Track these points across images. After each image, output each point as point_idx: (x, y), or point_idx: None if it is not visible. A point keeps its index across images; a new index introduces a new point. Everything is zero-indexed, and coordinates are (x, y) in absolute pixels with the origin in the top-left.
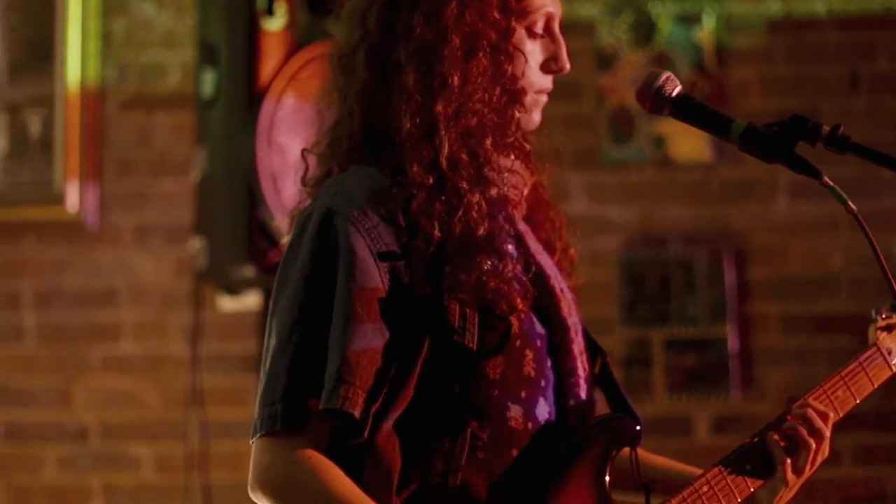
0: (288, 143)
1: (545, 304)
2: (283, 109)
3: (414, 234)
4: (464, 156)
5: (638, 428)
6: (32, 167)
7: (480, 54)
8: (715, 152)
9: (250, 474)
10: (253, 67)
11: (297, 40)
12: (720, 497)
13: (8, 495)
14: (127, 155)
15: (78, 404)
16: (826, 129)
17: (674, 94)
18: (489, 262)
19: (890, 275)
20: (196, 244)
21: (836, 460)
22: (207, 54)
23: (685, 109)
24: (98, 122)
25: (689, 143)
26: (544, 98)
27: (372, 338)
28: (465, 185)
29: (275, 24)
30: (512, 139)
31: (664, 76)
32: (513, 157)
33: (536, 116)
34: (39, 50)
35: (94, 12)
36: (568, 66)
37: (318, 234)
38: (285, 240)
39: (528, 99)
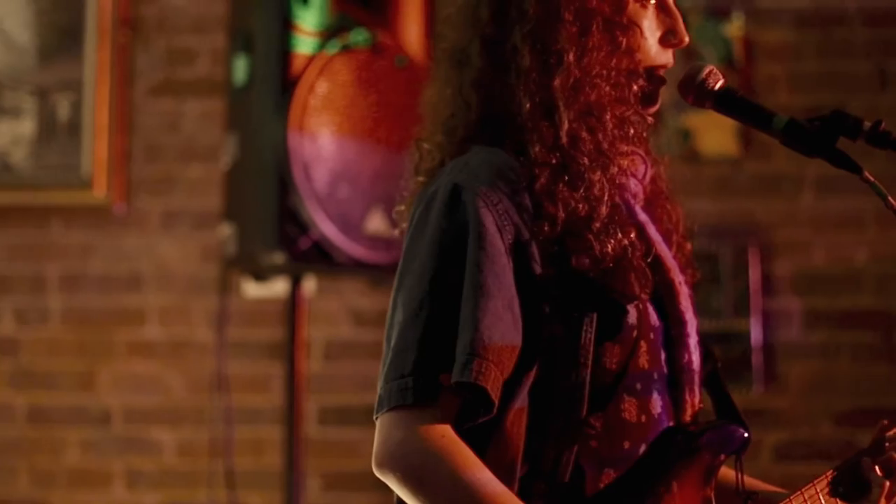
0: (320, 130)
1: (663, 296)
2: (316, 97)
3: (538, 214)
4: (584, 133)
5: (746, 436)
6: (61, 151)
7: (594, 28)
8: (742, 147)
9: (377, 450)
10: (286, 55)
11: (331, 29)
12: None
13: (30, 478)
14: (155, 140)
15: (102, 388)
16: (868, 124)
17: (717, 87)
18: (612, 244)
19: None
20: (225, 230)
21: None
22: (240, 41)
23: (728, 103)
24: (127, 107)
25: (716, 138)
26: (663, 75)
27: (503, 313)
28: (586, 162)
29: (309, 11)
30: (632, 116)
31: (707, 69)
32: (632, 142)
33: (657, 96)
34: (69, 34)
35: None
36: (687, 38)
37: (446, 208)
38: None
39: (648, 74)
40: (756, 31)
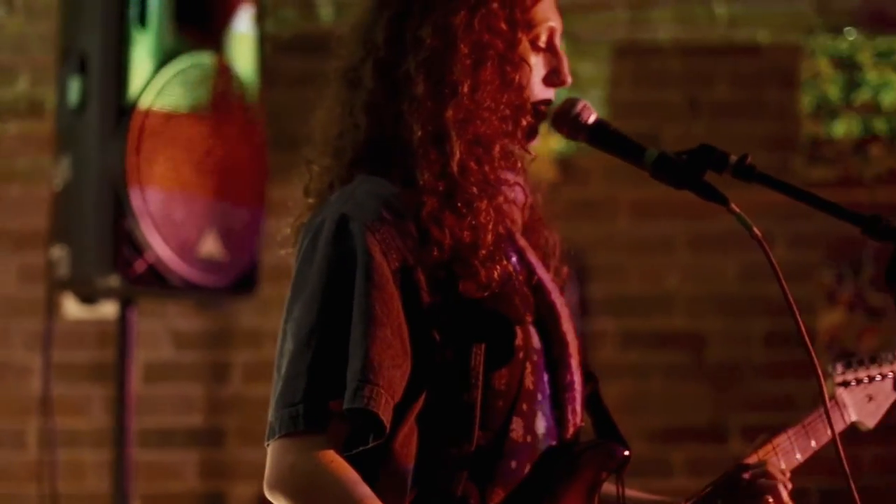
0: (156, 153)
1: (545, 319)
2: (153, 120)
3: (425, 241)
4: (472, 163)
5: (626, 454)
6: None
7: (488, 63)
8: (560, 172)
9: (269, 474)
10: (122, 76)
11: (168, 51)
12: None
13: None
14: None
15: None
16: (734, 158)
17: (590, 121)
18: (497, 270)
19: (793, 302)
20: (56, 252)
21: (667, 472)
22: (73, 61)
23: (601, 137)
24: None
25: (535, 162)
26: (545, 111)
27: (392, 340)
28: (474, 191)
29: (146, 34)
30: (518, 149)
31: (581, 104)
32: (515, 172)
33: (538, 130)
34: None
35: None
36: (570, 79)
37: (334, 239)
38: (290, 250)
39: (533, 109)
40: (574, 60)
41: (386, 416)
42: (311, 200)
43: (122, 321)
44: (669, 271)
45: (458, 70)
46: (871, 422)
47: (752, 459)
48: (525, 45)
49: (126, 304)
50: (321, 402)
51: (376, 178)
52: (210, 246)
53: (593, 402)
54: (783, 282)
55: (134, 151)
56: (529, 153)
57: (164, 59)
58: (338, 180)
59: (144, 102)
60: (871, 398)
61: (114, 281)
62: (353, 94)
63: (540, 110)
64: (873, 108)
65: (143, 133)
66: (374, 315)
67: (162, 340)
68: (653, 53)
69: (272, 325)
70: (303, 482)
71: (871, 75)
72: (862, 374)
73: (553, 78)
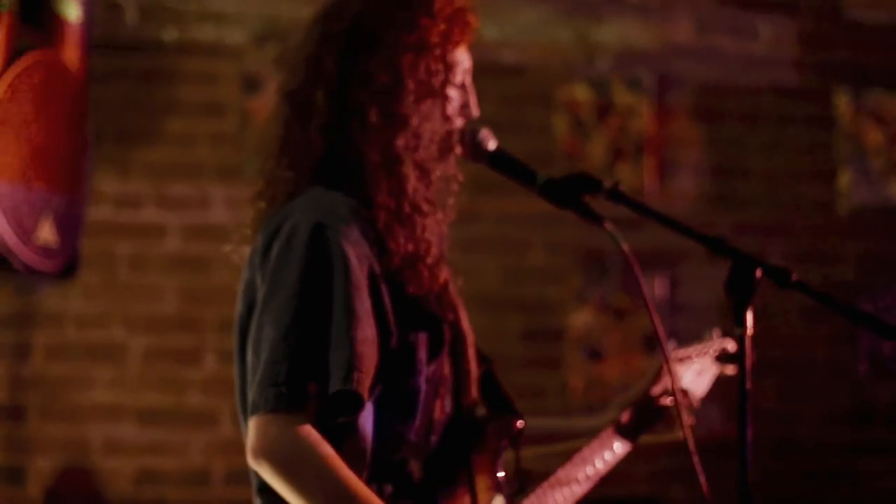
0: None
1: (454, 316)
2: None
3: (382, 251)
4: (419, 184)
5: (521, 423)
6: None
7: (428, 99)
8: None
9: (253, 445)
10: None
11: (14, 48)
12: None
13: None
14: None
15: None
16: (607, 184)
17: (490, 148)
18: (440, 277)
19: (656, 315)
20: None
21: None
22: None
23: (500, 162)
24: None
25: None
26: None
27: (369, 333)
28: (423, 209)
29: None
30: (451, 173)
31: (483, 131)
32: (452, 195)
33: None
34: None
35: None
36: (477, 111)
37: (311, 243)
38: (235, 247)
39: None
40: None
41: (367, 398)
42: (262, 205)
43: None
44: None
45: (407, 104)
46: (699, 391)
47: (658, 389)
48: (450, 81)
49: None
50: (302, 384)
51: (333, 192)
52: (46, 233)
53: (488, 380)
54: (644, 287)
55: None
56: (458, 177)
57: (11, 55)
58: (293, 191)
59: None
60: (700, 373)
61: None
62: (308, 117)
63: (454, 139)
64: (622, 131)
65: None
66: (355, 312)
67: None
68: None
69: (74, 308)
70: (285, 452)
71: (622, 101)
72: (691, 352)
73: (465, 111)
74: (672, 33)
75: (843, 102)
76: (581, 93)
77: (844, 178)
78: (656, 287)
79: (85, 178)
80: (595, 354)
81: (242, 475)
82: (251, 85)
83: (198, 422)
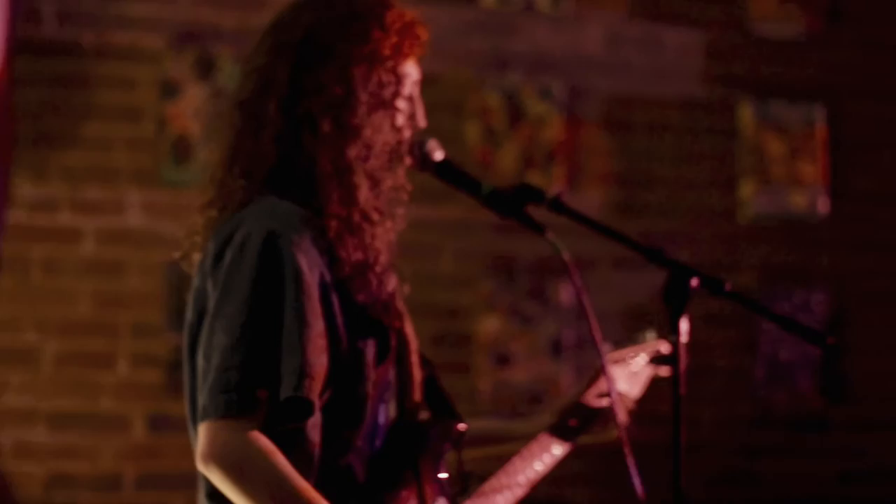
0: None
1: (397, 321)
2: None
3: (333, 259)
4: (370, 193)
5: (463, 428)
6: None
7: (380, 110)
8: None
9: (203, 450)
10: None
11: None
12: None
13: None
14: None
15: None
16: (549, 195)
17: (437, 158)
18: (388, 286)
19: (593, 316)
20: None
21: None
22: None
23: (446, 172)
24: None
25: None
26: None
27: (319, 341)
28: (373, 218)
29: None
30: (401, 183)
31: (431, 141)
32: (402, 205)
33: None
34: None
35: None
36: (425, 122)
37: (263, 251)
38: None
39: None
40: None
41: (317, 404)
42: (213, 214)
43: None
44: None
45: (359, 115)
46: (634, 392)
47: (594, 392)
48: (400, 94)
49: None
50: (252, 391)
51: (284, 201)
52: None
53: (430, 385)
54: (583, 292)
55: None
56: (407, 186)
57: None
58: (244, 198)
59: None
60: (634, 375)
61: None
62: (259, 126)
63: (403, 149)
64: (533, 140)
65: None
66: (306, 320)
67: None
68: None
69: None
70: (235, 457)
71: (533, 110)
72: (625, 354)
73: (413, 122)
74: (583, 45)
75: (746, 114)
76: (493, 101)
77: (746, 188)
78: (563, 294)
79: (6, 183)
80: (503, 360)
81: (154, 480)
82: (168, 90)
83: (110, 426)
